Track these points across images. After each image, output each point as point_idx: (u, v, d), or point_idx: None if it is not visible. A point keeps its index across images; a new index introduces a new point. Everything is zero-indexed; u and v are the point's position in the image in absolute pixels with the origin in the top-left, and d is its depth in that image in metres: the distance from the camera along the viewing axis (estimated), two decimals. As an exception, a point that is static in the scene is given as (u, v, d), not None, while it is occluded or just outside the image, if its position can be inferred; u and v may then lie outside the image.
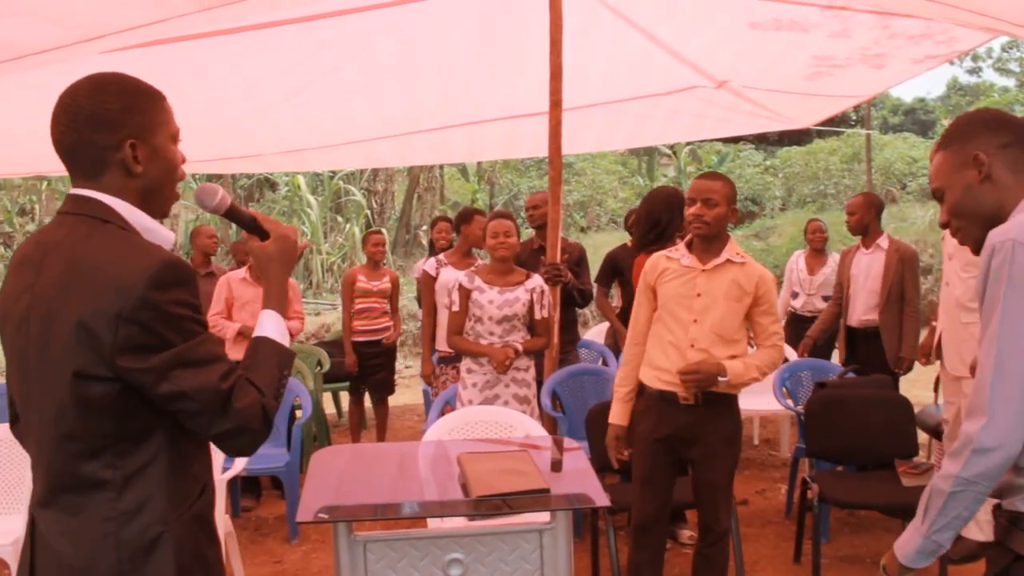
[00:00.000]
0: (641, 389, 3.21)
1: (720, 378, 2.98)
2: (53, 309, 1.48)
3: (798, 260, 6.59)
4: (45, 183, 16.81)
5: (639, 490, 3.17)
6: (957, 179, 1.75)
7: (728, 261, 3.09)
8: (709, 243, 3.10)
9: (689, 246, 3.16)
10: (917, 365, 4.99)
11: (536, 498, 2.35)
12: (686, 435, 3.08)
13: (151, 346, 1.47)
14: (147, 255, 1.50)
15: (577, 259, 4.90)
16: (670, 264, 3.16)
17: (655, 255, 3.26)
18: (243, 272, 5.42)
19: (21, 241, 17.12)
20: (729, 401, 3.12)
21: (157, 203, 1.63)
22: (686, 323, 3.07)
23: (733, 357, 3.05)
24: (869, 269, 5.12)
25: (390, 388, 6.16)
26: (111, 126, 1.54)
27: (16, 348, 1.55)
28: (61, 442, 1.50)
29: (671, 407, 3.08)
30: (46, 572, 1.54)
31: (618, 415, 3.24)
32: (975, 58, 26.30)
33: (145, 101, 1.59)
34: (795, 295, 6.51)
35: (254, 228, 1.72)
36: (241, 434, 1.56)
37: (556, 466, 2.87)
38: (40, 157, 5.42)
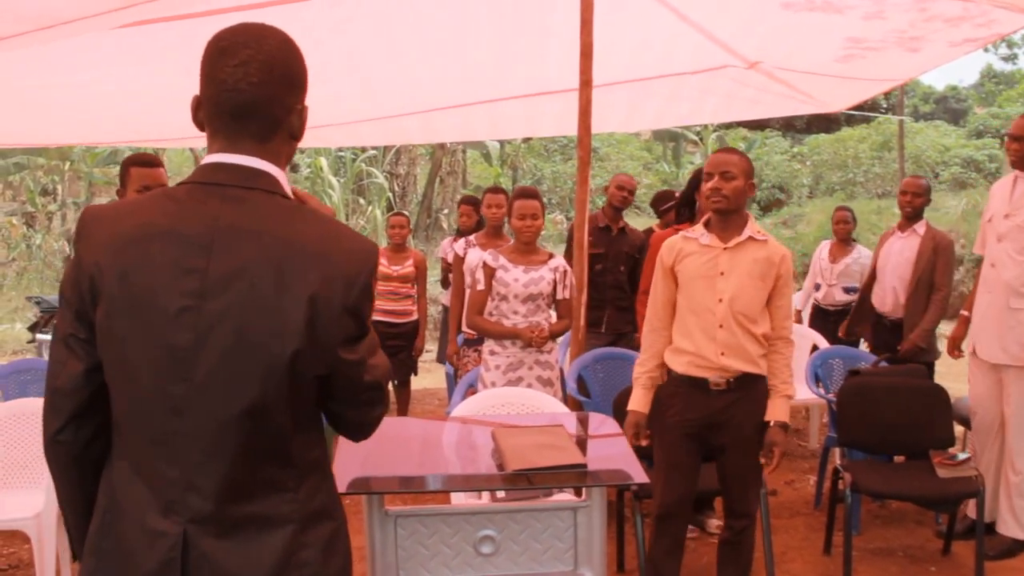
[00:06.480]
0: (667, 374, 3.11)
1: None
2: (261, 299, 1.31)
3: (823, 250, 6.46)
4: (68, 164, 16.87)
5: (663, 478, 3.06)
6: None
7: (750, 238, 2.98)
8: (728, 220, 2.98)
9: (707, 225, 3.05)
10: (947, 356, 4.83)
11: (573, 473, 2.29)
12: (717, 421, 2.99)
13: (359, 336, 1.41)
14: (363, 241, 1.43)
15: (639, 247, 5.14)
16: (687, 244, 3.04)
17: (671, 237, 3.15)
18: None
19: (46, 221, 17.13)
20: (761, 383, 3.03)
21: None
22: (711, 304, 2.96)
23: (760, 340, 2.98)
24: (901, 253, 4.98)
25: (411, 370, 6.10)
26: (299, 87, 1.45)
27: (168, 341, 1.32)
28: (249, 445, 1.34)
29: (700, 392, 2.99)
30: None
31: (639, 402, 3.12)
32: (1010, 44, 25.85)
33: (305, 64, 1.47)
34: (817, 287, 6.39)
35: None
36: (381, 417, 1.52)
37: (592, 444, 2.81)
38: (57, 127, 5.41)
